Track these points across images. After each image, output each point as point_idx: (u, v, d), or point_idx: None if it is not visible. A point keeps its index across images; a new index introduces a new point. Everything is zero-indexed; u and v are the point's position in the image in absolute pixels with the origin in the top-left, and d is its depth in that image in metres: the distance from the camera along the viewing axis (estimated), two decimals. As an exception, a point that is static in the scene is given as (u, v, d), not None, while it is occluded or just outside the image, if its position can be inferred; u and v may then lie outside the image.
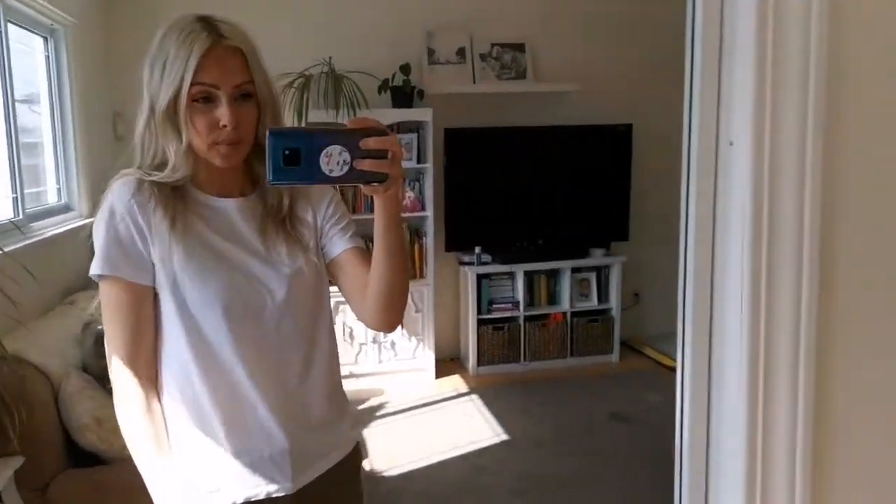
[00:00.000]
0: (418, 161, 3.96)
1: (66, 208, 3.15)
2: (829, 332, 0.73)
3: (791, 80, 0.66)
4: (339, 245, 1.14)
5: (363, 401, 3.84)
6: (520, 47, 4.23)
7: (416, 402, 3.82)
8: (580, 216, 4.26)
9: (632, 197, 4.24)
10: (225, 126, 1.00)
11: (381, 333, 4.00)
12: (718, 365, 0.73)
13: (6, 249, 2.04)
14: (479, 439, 3.32)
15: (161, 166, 1.04)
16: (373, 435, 3.42)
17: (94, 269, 1.04)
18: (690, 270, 0.75)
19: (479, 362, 4.15)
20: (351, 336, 3.98)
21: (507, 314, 4.16)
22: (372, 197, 0.96)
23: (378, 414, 3.69)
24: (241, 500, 1.07)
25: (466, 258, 4.16)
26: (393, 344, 4.08)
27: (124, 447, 2.10)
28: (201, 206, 1.08)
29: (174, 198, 1.05)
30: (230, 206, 1.10)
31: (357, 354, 4.01)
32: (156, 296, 1.06)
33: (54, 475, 1.94)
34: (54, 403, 2.02)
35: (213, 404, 1.06)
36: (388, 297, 1.06)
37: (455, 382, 4.10)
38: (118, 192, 1.05)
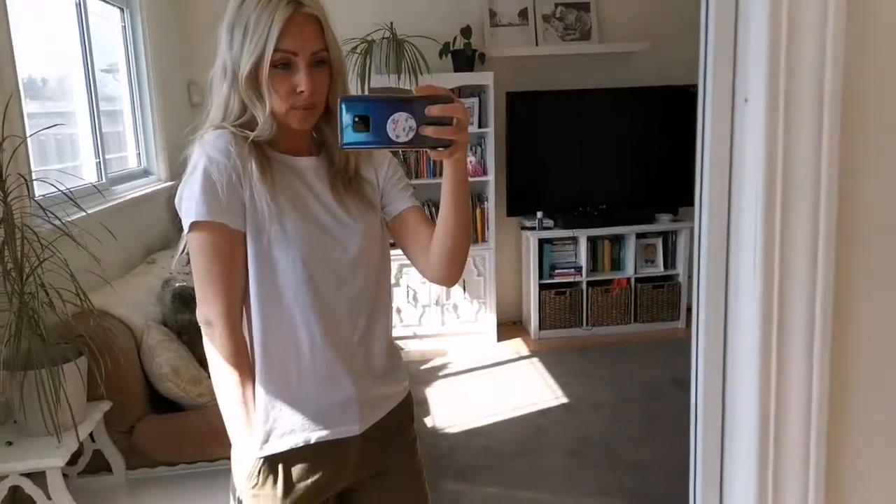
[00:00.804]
0: (479, 125, 3.95)
1: (145, 172, 3.33)
2: (846, 293, 0.70)
3: (807, 37, 0.63)
4: (400, 203, 1.20)
5: (427, 361, 3.93)
6: (584, 6, 4.11)
7: (478, 364, 3.88)
8: (646, 181, 4.16)
9: (702, 159, 4.10)
10: (302, 91, 1.06)
11: (444, 295, 4.08)
12: (733, 325, 0.72)
13: (90, 211, 2.18)
14: (538, 401, 3.36)
15: (245, 125, 1.09)
16: (436, 394, 3.51)
17: (191, 215, 1.06)
18: (705, 228, 0.74)
19: (541, 326, 4.16)
20: (415, 298, 4.06)
21: (570, 279, 4.14)
22: (439, 160, 1.02)
23: (441, 374, 3.78)
24: (314, 441, 1.13)
25: (528, 223, 4.15)
26: (455, 307, 4.14)
27: (199, 395, 2.25)
28: (278, 164, 1.13)
29: (259, 153, 1.10)
30: (305, 165, 1.15)
31: (420, 316, 4.10)
32: None
33: (138, 419, 2.10)
34: (137, 354, 2.17)
35: (286, 353, 1.12)
36: (453, 253, 1.12)
37: (516, 345, 4.13)
38: (214, 143, 1.08)
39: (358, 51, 3.63)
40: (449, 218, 1.09)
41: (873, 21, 0.68)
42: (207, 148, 1.07)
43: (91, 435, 1.98)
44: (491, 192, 4.04)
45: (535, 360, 3.91)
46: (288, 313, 1.10)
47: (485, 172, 4.03)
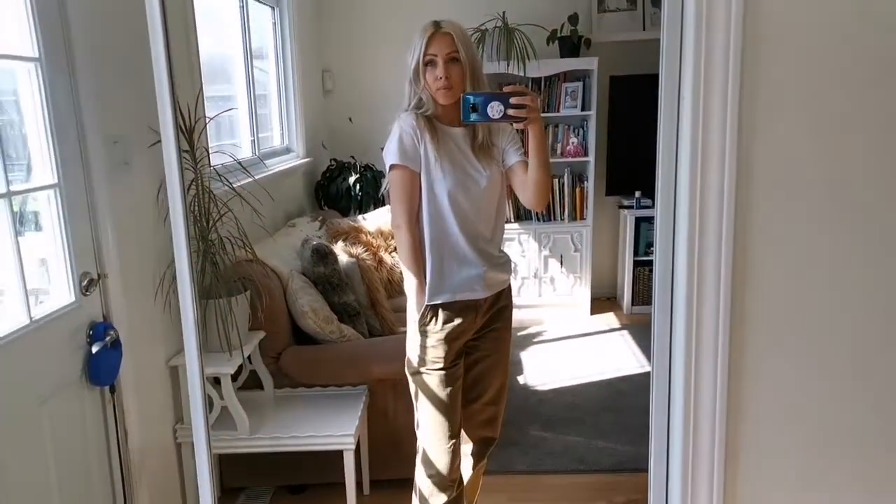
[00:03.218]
0: (583, 108, 4.19)
1: (287, 150, 3.87)
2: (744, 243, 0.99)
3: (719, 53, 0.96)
4: (513, 158, 1.84)
5: (524, 328, 4.28)
6: (693, -7, 4.22)
7: (570, 333, 4.18)
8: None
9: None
10: (440, 77, 1.72)
11: (542, 268, 4.39)
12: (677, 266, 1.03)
13: (253, 178, 2.69)
14: (623, 368, 3.62)
15: (418, 107, 1.78)
16: (530, 357, 3.85)
17: (391, 160, 1.75)
18: (659, 201, 1.03)
19: (633, 301, 4.38)
20: (515, 270, 4.40)
21: (664, 258, 4.31)
22: (524, 129, 1.69)
23: (535, 340, 4.11)
24: (458, 299, 1.79)
25: (626, 202, 4.36)
26: (552, 280, 4.44)
27: (331, 332, 2.72)
28: (441, 132, 1.78)
29: (430, 125, 1.75)
30: (456, 132, 1.80)
31: (520, 287, 4.43)
32: None
33: (284, 348, 2.60)
34: (283, 297, 2.67)
35: (442, 247, 1.77)
36: (539, 186, 1.75)
37: (608, 319, 4.38)
38: (405, 119, 1.77)
39: (473, 39, 3.97)
40: (533, 167, 1.73)
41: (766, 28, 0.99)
42: (402, 123, 1.77)
43: (248, 358, 2.49)
44: (591, 173, 4.27)
45: (624, 332, 4.15)
46: (446, 221, 1.77)
47: (586, 153, 4.27)
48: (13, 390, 1.61)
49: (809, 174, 1.06)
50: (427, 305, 1.78)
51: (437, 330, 1.79)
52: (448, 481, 1.84)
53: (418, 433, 1.87)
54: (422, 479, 1.86)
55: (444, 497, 1.84)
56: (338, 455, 2.29)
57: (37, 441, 1.69)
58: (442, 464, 1.83)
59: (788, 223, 1.05)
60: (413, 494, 1.91)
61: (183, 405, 2.33)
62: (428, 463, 1.84)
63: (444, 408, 1.81)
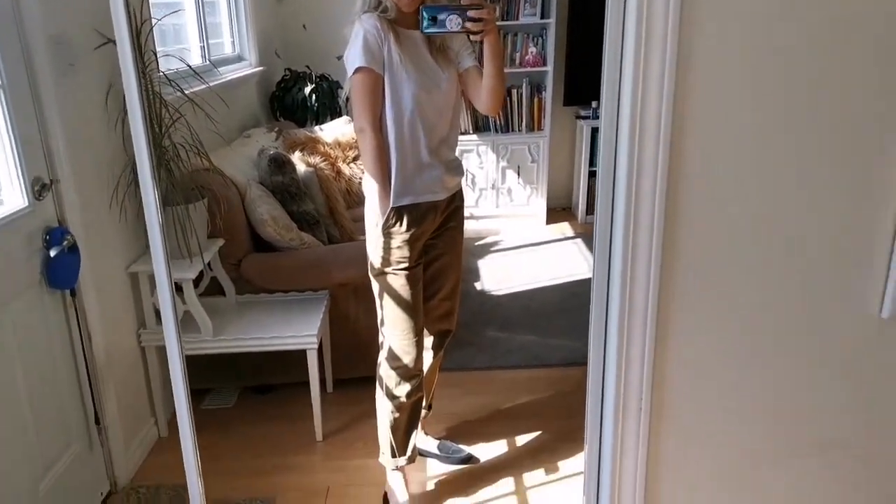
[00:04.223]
0: (542, 16, 4.15)
1: (239, 58, 3.77)
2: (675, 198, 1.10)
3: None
4: (467, 62, 1.87)
5: (481, 238, 4.38)
6: None
7: (526, 242, 4.30)
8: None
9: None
10: None
11: (499, 179, 4.46)
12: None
13: (208, 85, 2.64)
14: (576, 273, 3.77)
15: (376, 8, 1.76)
16: (487, 265, 3.97)
17: (356, 62, 1.72)
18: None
19: (588, 211, 4.51)
20: (473, 182, 4.46)
21: (619, 168, 4.41)
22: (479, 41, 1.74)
23: (492, 249, 4.22)
24: (421, 202, 1.85)
25: (583, 112, 4.40)
26: (510, 190, 4.52)
27: (291, 240, 2.76)
28: (403, 35, 1.78)
29: (392, 28, 1.75)
30: (417, 36, 1.80)
31: (477, 199, 4.51)
32: None
33: (244, 255, 2.64)
34: (241, 206, 2.68)
35: (406, 150, 1.79)
36: (493, 93, 1.82)
37: (563, 228, 4.51)
38: (368, 21, 1.74)
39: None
40: (488, 76, 1.80)
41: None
42: (365, 24, 1.74)
43: (209, 265, 2.53)
44: (549, 82, 4.28)
45: (578, 241, 4.29)
46: (410, 124, 1.78)
47: (544, 63, 4.26)
48: (-27, 292, 1.63)
49: (744, 67, 1.11)
50: (392, 208, 1.82)
51: (402, 231, 1.84)
52: (414, 371, 1.96)
53: (383, 331, 1.96)
54: (387, 372, 1.97)
55: (408, 386, 1.96)
56: (301, 355, 2.39)
57: (1, 342, 1.73)
58: (408, 358, 1.94)
59: (725, 120, 1.11)
60: (377, 386, 2.02)
61: (145, 310, 2.38)
62: (393, 357, 1.95)
63: (409, 307, 1.90)
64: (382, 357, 1.98)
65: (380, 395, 2.02)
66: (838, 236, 1.12)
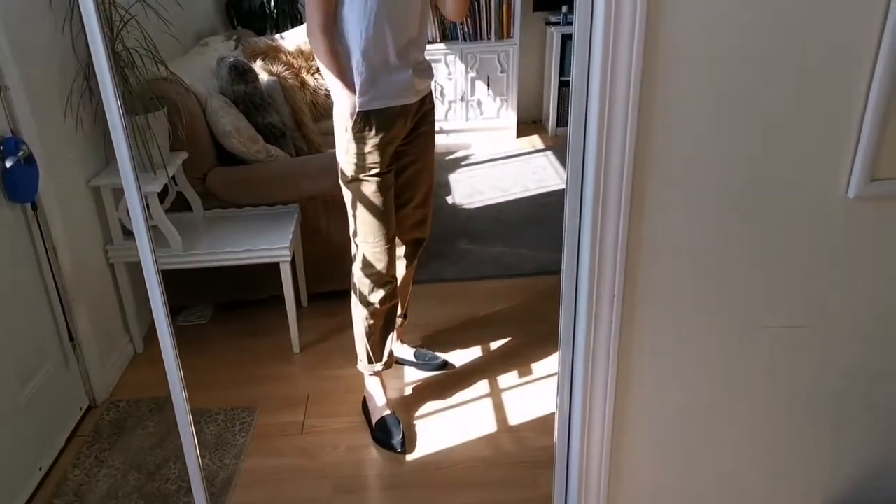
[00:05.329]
0: (511, -85, 3.95)
1: (190, -40, 3.52)
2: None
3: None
4: None
5: (451, 153, 4.33)
6: None
7: (497, 156, 4.27)
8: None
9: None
10: None
11: (469, 91, 4.36)
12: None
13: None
14: (547, 185, 3.78)
15: None
16: (457, 179, 3.94)
17: None
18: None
19: (558, 123, 4.47)
20: (441, 94, 4.36)
21: (589, 78, 4.35)
22: None
23: (463, 164, 4.19)
24: (390, 105, 1.79)
25: (553, 18, 4.28)
26: (479, 103, 4.44)
27: (257, 151, 2.69)
28: None
29: None
30: None
31: (447, 112, 4.42)
32: None
33: (209, 169, 2.56)
34: (203, 117, 2.58)
35: (374, 53, 1.72)
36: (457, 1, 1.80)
37: (533, 141, 4.48)
38: None
39: None
40: None
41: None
42: None
43: (174, 179, 2.45)
44: (518, -12, 4.13)
45: (549, 153, 4.27)
46: (378, 25, 1.70)
47: (513, -34, 4.09)
48: (-73, 205, 1.56)
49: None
50: (360, 112, 1.77)
51: (373, 136, 1.80)
52: (387, 277, 1.97)
53: (355, 241, 1.95)
54: (360, 280, 1.97)
55: (382, 292, 1.97)
56: (274, 270, 2.37)
57: (-38, 257, 1.67)
58: (381, 265, 1.94)
59: (697, 30, 1.09)
60: (352, 294, 2.03)
61: (110, 225, 2.32)
62: (367, 264, 1.94)
63: (380, 214, 1.88)
64: (356, 267, 1.98)
65: (355, 303, 2.03)
66: (807, 116, 1.13)
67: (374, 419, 2.09)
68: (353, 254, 1.98)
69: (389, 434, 2.03)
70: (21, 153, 1.79)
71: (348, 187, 1.88)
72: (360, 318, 2.03)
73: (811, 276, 1.26)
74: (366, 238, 1.91)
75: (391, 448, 2.01)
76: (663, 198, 1.19)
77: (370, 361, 2.09)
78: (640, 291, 1.25)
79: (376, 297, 1.97)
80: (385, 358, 2.10)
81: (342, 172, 1.88)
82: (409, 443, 2.02)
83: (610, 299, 1.24)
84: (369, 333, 2.04)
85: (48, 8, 2.01)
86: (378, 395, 2.13)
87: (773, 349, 1.32)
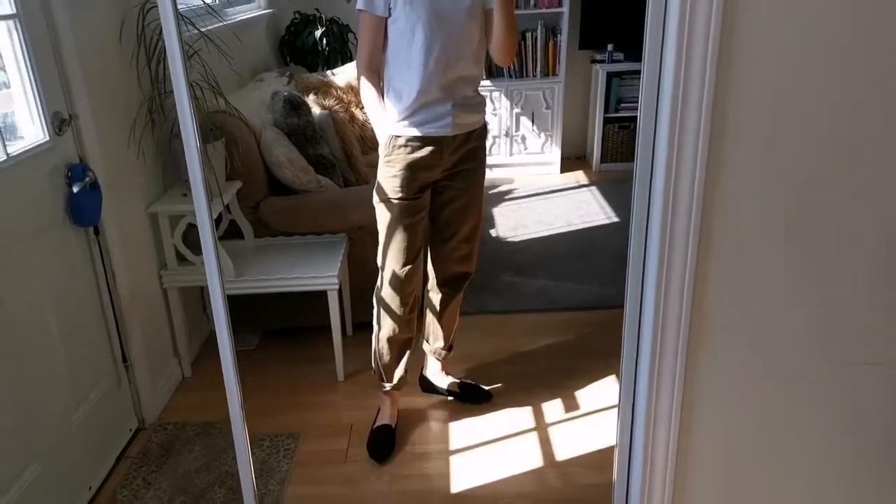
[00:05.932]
0: (557, -44, 4.02)
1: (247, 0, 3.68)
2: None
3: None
4: (490, 2, 1.77)
5: (495, 187, 4.35)
6: None
7: (541, 190, 4.27)
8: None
9: None
10: None
11: (513, 127, 4.40)
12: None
13: (213, 27, 2.58)
14: (591, 220, 3.75)
15: None
16: (501, 213, 3.95)
17: (360, 5, 1.75)
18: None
19: (603, 159, 4.46)
20: (487, 130, 4.39)
21: (634, 113, 4.34)
22: None
23: (507, 197, 4.20)
24: (421, 134, 1.81)
25: (599, 56, 4.30)
26: (524, 138, 4.47)
27: (308, 182, 2.74)
28: None
29: None
30: None
31: (491, 146, 4.46)
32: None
33: (262, 198, 2.63)
34: (258, 148, 2.66)
35: (412, 81, 1.76)
36: (502, 45, 1.80)
37: (578, 176, 4.47)
38: None
39: None
40: (497, 27, 1.76)
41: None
42: None
43: (227, 208, 2.52)
44: (564, 25, 4.18)
45: (593, 188, 4.25)
46: (418, 55, 1.74)
47: (559, 4, 4.15)
48: (2, 225, 1.63)
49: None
50: (391, 136, 1.82)
51: (402, 160, 1.83)
52: (403, 302, 1.97)
53: (378, 262, 1.97)
54: (378, 300, 2.01)
55: (397, 315, 1.98)
56: (320, 299, 2.40)
57: (33, 279, 1.73)
58: (397, 289, 1.95)
59: (773, 70, 1.08)
60: (373, 313, 2.06)
61: (165, 251, 2.38)
62: (385, 286, 1.97)
63: (402, 239, 1.90)
64: (377, 287, 2.02)
65: (374, 321, 2.06)
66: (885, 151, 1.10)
67: (374, 426, 2.16)
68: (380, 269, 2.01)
69: (376, 445, 2.09)
70: (87, 179, 1.87)
71: (376, 207, 1.92)
72: (374, 336, 2.08)
73: (890, 310, 1.20)
74: (385, 260, 1.93)
75: (372, 456, 2.07)
76: (732, 232, 1.16)
77: (381, 380, 2.15)
78: (706, 326, 1.22)
79: (389, 320, 2.00)
80: (395, 380, 2.14)
81: (376, 190, 1.92)
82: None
83: (675, 331, 1.21)
84: (381, 354, 2.08)
85: (118, 43, 2.12)
86: (384, 407, 2.20)
87: (843, 388, 1.26)
